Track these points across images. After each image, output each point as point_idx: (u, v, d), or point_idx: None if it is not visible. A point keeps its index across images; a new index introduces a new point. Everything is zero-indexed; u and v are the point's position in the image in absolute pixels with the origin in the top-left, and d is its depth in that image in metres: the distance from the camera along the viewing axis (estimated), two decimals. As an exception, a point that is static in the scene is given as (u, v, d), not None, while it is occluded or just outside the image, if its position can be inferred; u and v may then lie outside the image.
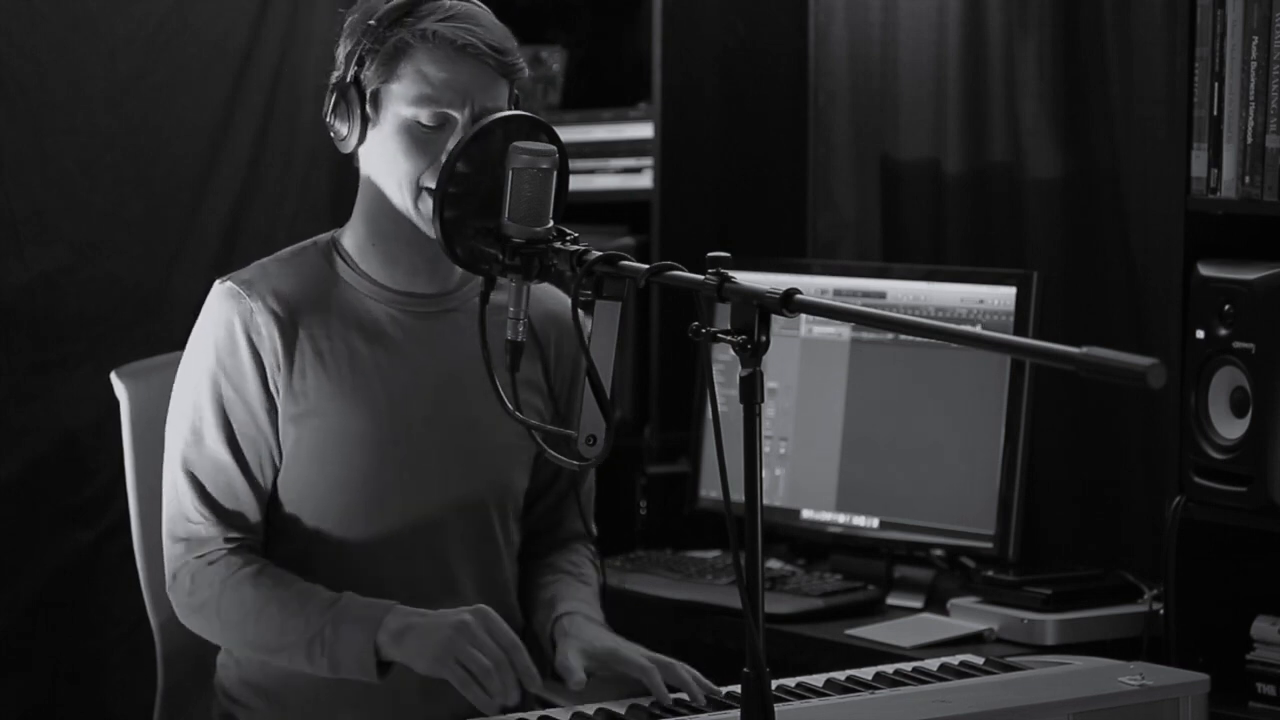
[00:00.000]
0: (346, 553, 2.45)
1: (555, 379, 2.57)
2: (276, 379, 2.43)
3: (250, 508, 2.45)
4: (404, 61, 2.39)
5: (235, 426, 2.43)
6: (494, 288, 2.24)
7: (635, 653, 2.38)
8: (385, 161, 2.42)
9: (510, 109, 2.40)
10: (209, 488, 2.44)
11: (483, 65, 2.40)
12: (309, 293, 2.46)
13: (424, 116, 2.38)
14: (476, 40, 2.39)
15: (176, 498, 2.46)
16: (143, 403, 2.68)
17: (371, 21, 2.41)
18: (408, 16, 2.40)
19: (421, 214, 2.40)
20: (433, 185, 2.34)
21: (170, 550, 2.47)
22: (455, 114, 2.38)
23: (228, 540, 2.44)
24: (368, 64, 2.40)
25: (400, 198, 2.41)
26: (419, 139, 2.39)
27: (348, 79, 2.41)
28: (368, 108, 2.41)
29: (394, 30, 2.39)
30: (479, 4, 2.46)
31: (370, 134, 2.42)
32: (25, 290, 3.35)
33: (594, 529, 2.67)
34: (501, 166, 2.20)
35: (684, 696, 2.30)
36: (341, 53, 2.44)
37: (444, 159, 2.29)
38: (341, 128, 2.43)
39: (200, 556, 2.44)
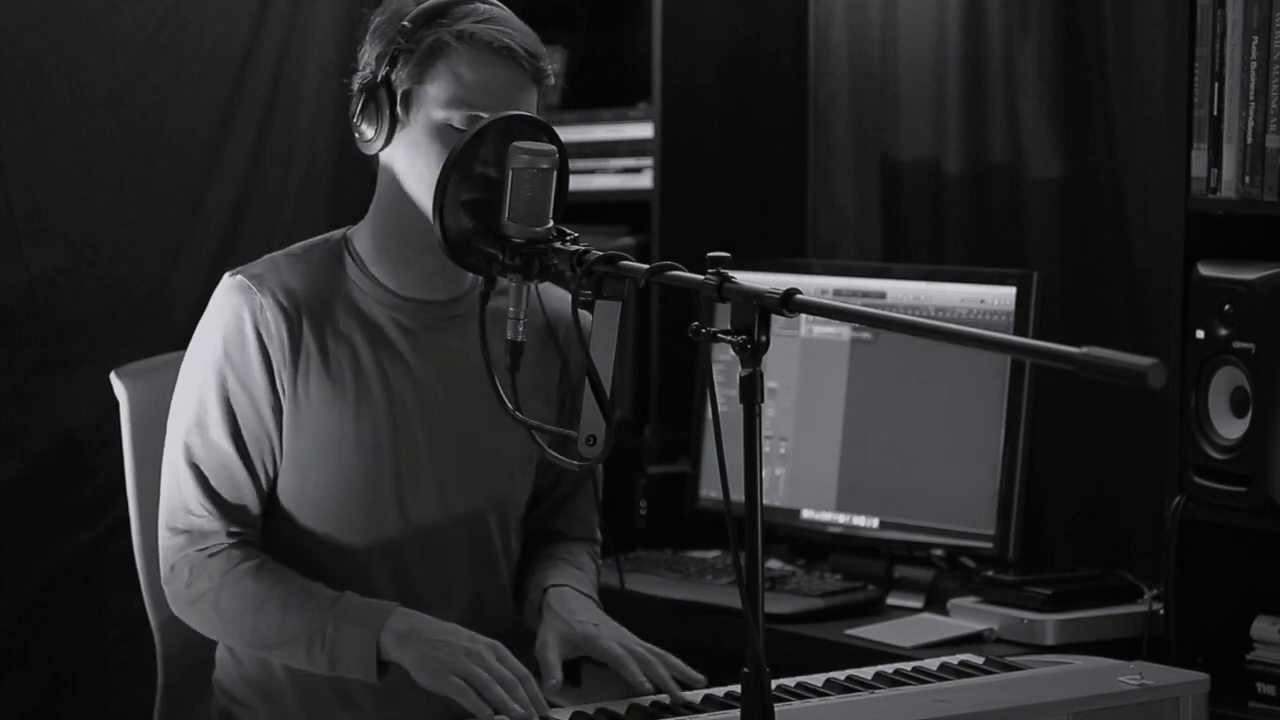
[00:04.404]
0: (341, 558, 2.43)
1: (571, 385, 2.54)
2: (282, 375, 2.41)
3: (252, 501, 2.43)
4: (439, 62, 2.36)
5: (240, 420, 2.41)
6: (494, 288, 2.24)
7: (613, 641, 2.35)
8: (413, 164, 2.38)
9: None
10: (212, 481, 2.42)
11: (517, 69, 2.38)
12: (317, 292, 2.44)
13: (456, 119, 2.35)
14: (513, 44, 2.37)
15: (178, 489, 2.44)
16: (143, 403, 2.68)
17: (405, 23, 2.37)
18: (442, 18, 2.37)
19: None
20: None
21: (168, 542, 2.44)
22: (487, 117, 2.32)
23: (230, 535, 2.42)
24: (400, 65, 2.37)
25: (427, 200, 2.34)
26: (450, 142, 2.32)
27: (378, 80, 2.38)
28: (398, 109, 2.38)
29: (428, 30, 2.36)
30: (506, 9, 2.44)
31: (398, 135, 2.39)
32: (25, 290, 3.35)
33: (599, 534, 2.65)
34: (501, 166, 2.20)
35: (687, 695, 2.29)
36: (370, 54, 2.40)
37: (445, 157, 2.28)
38: (368, 130, 2.40)
39: (201, 549, 2.42)
